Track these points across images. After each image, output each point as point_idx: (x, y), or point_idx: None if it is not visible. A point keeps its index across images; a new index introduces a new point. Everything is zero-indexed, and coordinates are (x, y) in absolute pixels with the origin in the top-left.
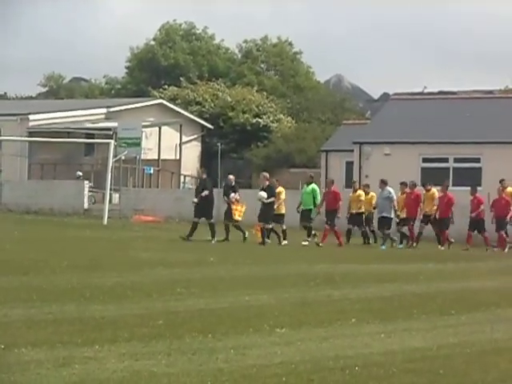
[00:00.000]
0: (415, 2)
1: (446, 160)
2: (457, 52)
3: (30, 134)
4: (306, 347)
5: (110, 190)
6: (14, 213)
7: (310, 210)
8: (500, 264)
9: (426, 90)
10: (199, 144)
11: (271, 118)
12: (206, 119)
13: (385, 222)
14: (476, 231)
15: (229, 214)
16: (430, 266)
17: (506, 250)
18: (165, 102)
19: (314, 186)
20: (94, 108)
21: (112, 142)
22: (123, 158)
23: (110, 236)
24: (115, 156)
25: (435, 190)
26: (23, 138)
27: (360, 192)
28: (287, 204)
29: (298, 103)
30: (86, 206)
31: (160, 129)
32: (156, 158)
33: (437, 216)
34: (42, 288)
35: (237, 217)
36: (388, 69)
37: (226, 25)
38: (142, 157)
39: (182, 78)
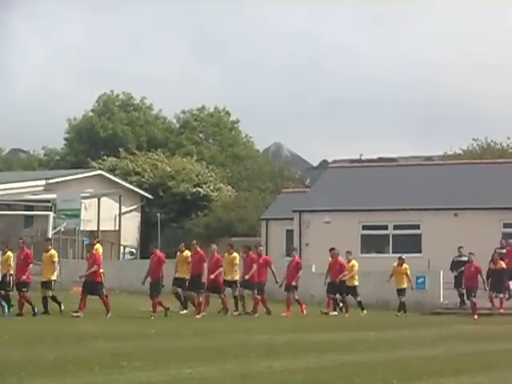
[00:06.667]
0: (346, 67)
1: (385, 227)
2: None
3: None
4: None
5: None
6: None
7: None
8: (442, 331)
9: (364, 157)
10: (139, 214)
11: (211, 188)
12: (145, 189)
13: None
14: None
15: None
16: (372, 335)
17: None
18: (104, 173)
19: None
20: (32, 180)
21: (51, 213)
22: (63, 229)
23: (51, 308)
24: (55, 228)
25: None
26: None
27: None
28: None
29: (238, 172)
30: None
31: (99, 200)
32: (95, 228)
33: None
34: None
35: None
36: (327, 136)
37: (163, 95)
38: (82, 228)
39: (120, 149)
